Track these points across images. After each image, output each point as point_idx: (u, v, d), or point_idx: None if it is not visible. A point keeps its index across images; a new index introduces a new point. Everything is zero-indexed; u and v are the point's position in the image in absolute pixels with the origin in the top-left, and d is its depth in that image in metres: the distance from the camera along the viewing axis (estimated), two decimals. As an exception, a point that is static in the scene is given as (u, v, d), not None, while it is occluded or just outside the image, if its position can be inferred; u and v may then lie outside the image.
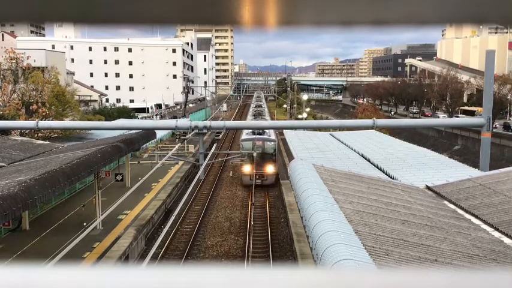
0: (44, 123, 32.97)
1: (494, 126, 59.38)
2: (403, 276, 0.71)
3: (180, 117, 59.95)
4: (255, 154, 30.95)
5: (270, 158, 31.98)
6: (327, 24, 0.70)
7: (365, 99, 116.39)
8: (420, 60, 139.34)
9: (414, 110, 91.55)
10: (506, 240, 11.84)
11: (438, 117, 72.08)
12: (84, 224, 19.67)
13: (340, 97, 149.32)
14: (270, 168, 31.32)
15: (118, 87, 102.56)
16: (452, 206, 15.69)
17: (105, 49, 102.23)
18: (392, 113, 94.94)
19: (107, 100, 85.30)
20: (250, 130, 35.37)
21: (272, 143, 32.77)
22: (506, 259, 10.28)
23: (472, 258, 10.00)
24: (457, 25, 0.72)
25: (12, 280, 0.69)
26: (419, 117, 76.82)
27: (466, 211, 14.76)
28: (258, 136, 33.16)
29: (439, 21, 0.71)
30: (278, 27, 0.71)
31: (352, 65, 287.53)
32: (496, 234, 12.37)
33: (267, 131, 35.03)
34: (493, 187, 16.27)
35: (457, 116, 65.83)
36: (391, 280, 0.70)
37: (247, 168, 31.37)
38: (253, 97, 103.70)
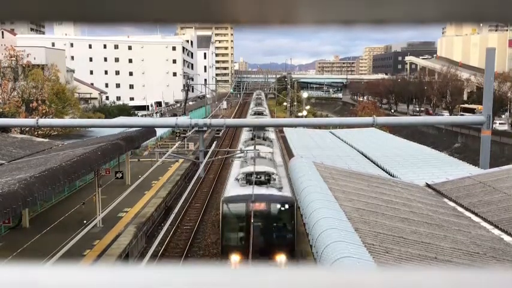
0: (44, 121, 32.96)
1: (502, 124, 59.47)
2: (403, 275, 0.71)
3: (180, 115, 59.94)
4: (251, 229, 14.91)
5: (281, 235, 17.17)
6: (327, 23, 0.71)
7: (365, 97, 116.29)
8: (426, 59, 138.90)
9: (417, 109, 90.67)
10: (506, 237, 11.85)
11: (442, 115, 71.94)
12: (84, 221, 19.68)
13: (340, 95, 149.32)
14: (282, 257, 16.44)
15: (118, 85, 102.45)
16: (452, 204, 15.69)
17: (105, 47, 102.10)
18: (392, 110, 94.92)
19: (107, 98, 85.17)
20: (242, 172, 19.40)
21: (286, 205, 17.09)
22: (506, 257, 10.29)
23: (472, 255, 10.00)
24: (457, 24, 0.72)
25: (11, 279, 0.69)
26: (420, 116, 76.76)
27: (466, 209, 14.76)
28: (257, 191, 16.68)
29: (439, 20, 0.71)
30: (278, 25, 0.71)
31: (352, 63, 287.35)
32: (496, 231, 12.37)
33: (275, 177, 18.99)
34: (493, 185, 16.27)
35: (462, 115, 65.65)
36: (391, 278, 0.70)
37: (235, 258, 16.56)
38: (252, 98, 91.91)
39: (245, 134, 35.35)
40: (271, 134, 35.51)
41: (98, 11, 0.68)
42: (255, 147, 24.09)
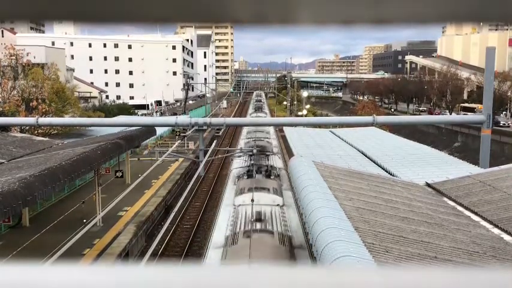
0: (44, 120, 32.93)
1: (507, 124, 59.34)
2: (403, 275, 0.71)
3: (180, 114, 59.92)
4: None
5: None
6: (327, 23, 0.71)
7: (365, 97, 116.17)
8: (433, 57, 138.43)
9: (420, 109, 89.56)
10: (506, 237, 11.85)
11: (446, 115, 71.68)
12: (84, 220, 19.69)
13: (340, 94, 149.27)
14: None
15: (118, 84, 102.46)
16: (451, 203, 15.69)
17: (104, 46, 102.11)
18: (392, 109, 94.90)
19: (107, 97, 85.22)
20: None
21: None
22: (505, 256, 10.30)
23: (471, 255, 10.01)
24: (457, 23, 0.72)
25: (10, 279, 0.69)
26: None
27: (466, 208, 14.76)
28: None
29: (440, 20, 0.71)
30: (278, 25, 0.71)
31: (352, 62, 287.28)
32: (496, 231, 12.37)
33: None
34: (493, 184, 16.27)
35: (465, 114, 65.50)
36: (391, 278, 0.70)
37: None
38: (251, 101, 79.47)
39: (237, 163, 21.84)
40: (278, 161, 23.10)
41: (97, 10, 0.68)
42: (252, 196, 14.98)
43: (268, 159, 21.90)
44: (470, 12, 0.69)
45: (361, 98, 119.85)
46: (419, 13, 0.69)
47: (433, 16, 0.70)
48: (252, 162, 20.06)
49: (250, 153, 22.86)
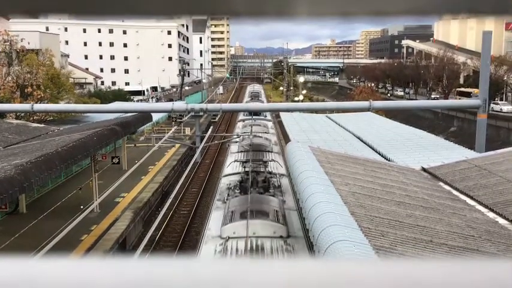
0: (39, 106, 32.78)
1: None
2: (400, 265, 0.71)
3: (176, 100, 59.68)
4: None
5: None
6: (324, 15, 0.71)
7: (361, 82, 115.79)
8: (430, 41, 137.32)
9: (433, 97, 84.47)
10: (500, 220, 11.95)
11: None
12: (82, 206, 19.72)
13: (336, 79, 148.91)
14: None
15: (113, 70, 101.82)
16: (447, 187, 15.77)
17: (99, 31, 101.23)
18: (388, 95, 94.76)
19: (102, 83, 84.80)
20: None
21: None
22: (500, 239, 10.39)
23: (466, 238, 10.09)
24: (453, 15, 0.72)
25: (5, 274, 0.69)
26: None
27: (462, 192, 14.85)
28: None
29: (436, 12, 0.71)
30: (274, 17, 0.71)
31: (349, 47, 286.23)
32: (491, 214, 12.47)
33: None
34: (489, 168, 16.35)
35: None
36: (390, 269, 0.71)
37: None
38: (245, 99, 59.57)
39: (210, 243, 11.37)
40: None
41: (94, 3, 0.69)
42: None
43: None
44: (466, 4, 0.69)
45: (354, 81, 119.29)
46: (416, 5, 0.69)
47: (429, 8, 0.70)
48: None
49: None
